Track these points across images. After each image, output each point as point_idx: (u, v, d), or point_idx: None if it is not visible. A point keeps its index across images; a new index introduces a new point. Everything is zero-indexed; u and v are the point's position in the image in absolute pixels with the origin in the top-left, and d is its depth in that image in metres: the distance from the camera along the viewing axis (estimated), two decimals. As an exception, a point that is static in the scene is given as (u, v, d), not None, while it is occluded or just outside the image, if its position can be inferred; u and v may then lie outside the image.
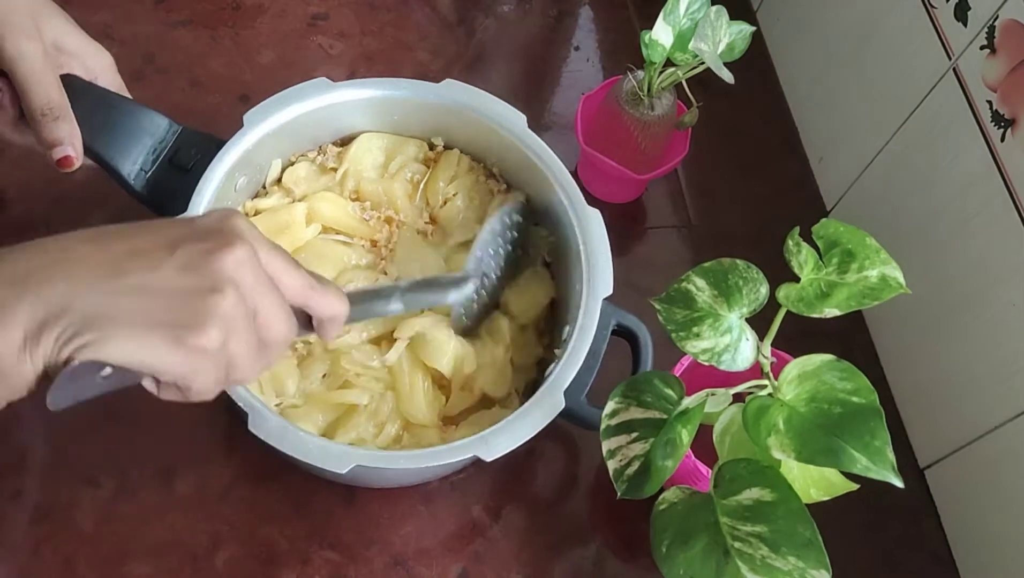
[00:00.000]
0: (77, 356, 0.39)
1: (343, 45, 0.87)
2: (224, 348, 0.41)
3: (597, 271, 0.62)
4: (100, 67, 0.63)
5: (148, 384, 0.43)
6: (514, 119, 0.67)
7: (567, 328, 0.62)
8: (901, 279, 0.51)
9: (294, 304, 0.46)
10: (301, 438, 0.54)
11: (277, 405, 0.61)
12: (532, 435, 0.56)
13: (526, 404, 0.57)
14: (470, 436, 0.56)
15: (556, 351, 0.62)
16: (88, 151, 0.60)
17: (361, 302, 0.51)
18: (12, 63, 0.55)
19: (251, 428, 0.53)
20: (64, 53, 0.60)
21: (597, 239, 0.63)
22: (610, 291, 0.61)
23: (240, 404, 0.54)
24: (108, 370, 0.40)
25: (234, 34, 0.86)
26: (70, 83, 0.59)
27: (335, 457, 0.54)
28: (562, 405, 0.57)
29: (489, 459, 0.55)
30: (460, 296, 0.57)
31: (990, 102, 0.62)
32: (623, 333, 0.63)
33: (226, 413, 0.66)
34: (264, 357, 0.45)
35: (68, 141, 0.57)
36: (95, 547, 0.62)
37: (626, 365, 0.64)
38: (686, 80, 0.71)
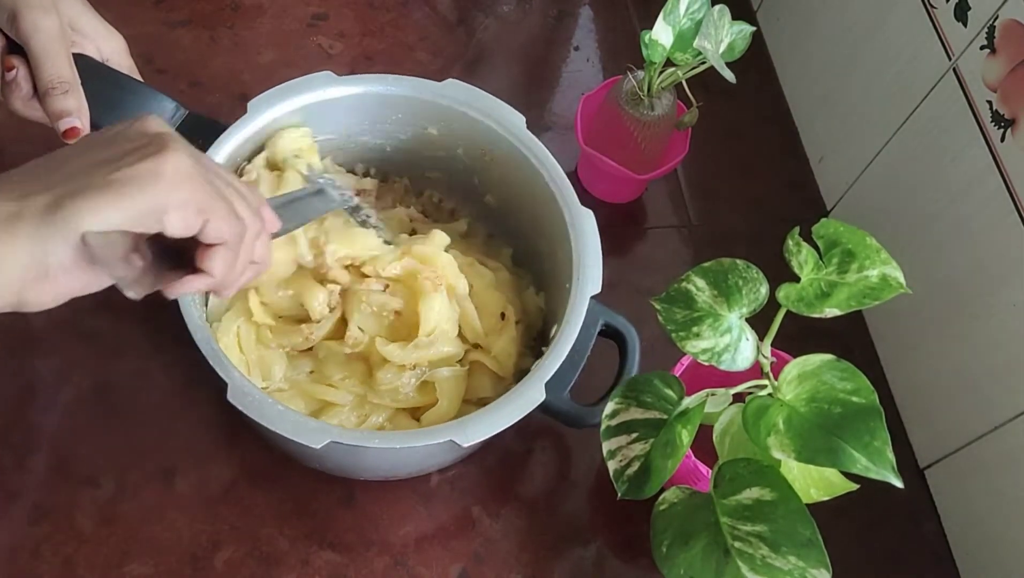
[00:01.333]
0: (66, 225, 0.40)
1: (343, 45, 0.87)
2: (207, 180, 0.44)
3: (586, 269, 0.62)
4: (112, 49, 0.64)
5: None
6: (514, 120, 0.67)
7: (556, 326, 0.62)
8: (901, 279, 0.51)
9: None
10: (279, 411, 0.54)
11: (264, 388, 0.62)
12: (509, 424, 0.56)
13: (505, 394, 0.58)
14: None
15: (544, 348, 0.62)
16: (96, 129, 0.61)
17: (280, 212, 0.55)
18: (28, 37, 0.57)
19: (230, 398, 0.53)
20: (78, 33, 0.62)
21: (589, 238, 0.63)
22: (598, 289, 0.62)
23: (221, 374, 0.54)
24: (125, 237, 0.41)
25: (234, 34, 0.86)
26: (82, 63, 0.60)
27: (310, 432, 0.54)
28: (542, 397, 0.57)
29: (465, 445, 0.55)
30: (331, 203, 0.63)
31: (990, 102, 0.62)
32: (612, 334, 0.63)
33: (227, 412, 0.66)
34: (256, 217, 0.48)
35: (75, 114, 0.58)
36: (95, 547, 0.62)
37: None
38: (686, 80, 0.71)
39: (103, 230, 0.40)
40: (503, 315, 0.66)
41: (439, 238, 0.65)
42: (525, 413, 0.57)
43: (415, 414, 0.64)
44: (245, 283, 0.50)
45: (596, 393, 0.61)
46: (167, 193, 0.42)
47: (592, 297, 0.61)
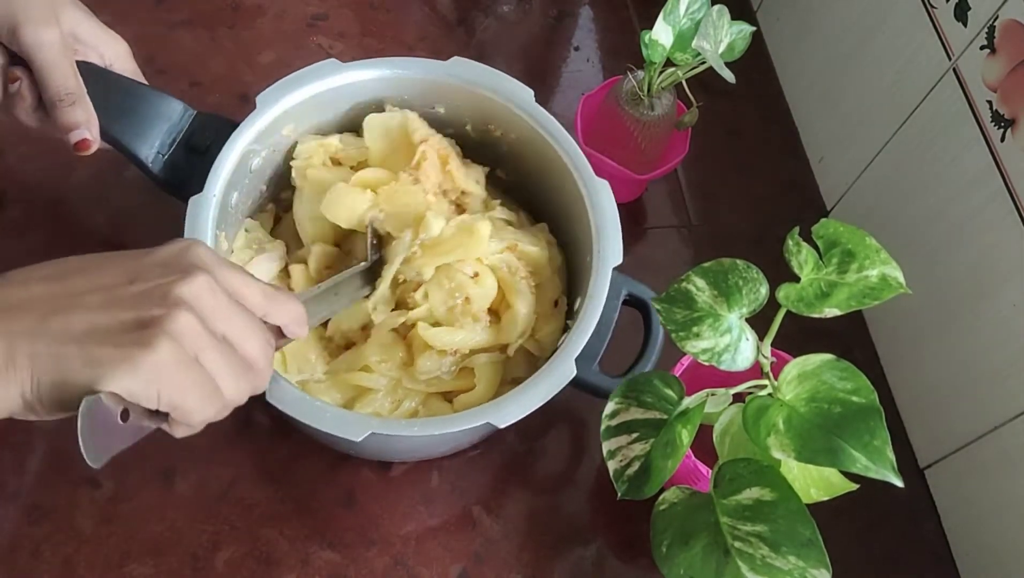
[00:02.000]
0: (48, 391, 0.42)
1: (343, 45, 0.87)
2: (197, 366, 0.43)
3: (606, 241, 0.62)
4: (115, 54, 0.64)
5: (165, 426, 0.45)
6: (522, 94, 0.67)
7: (579, 299, 0.62)
8: (901, 279, 0.51)
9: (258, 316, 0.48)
10: (318, 407, 0.55)
11: (298, 381, 0.63)
12: (544, 401, 0.56)
13: (537, 373, 0.58)
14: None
15: (569, 322, 0.62)
16: (107, 136, 0.62)
17: (316, 304, 0.58)
18: (31, 51, 0.57)
19: (269, 399, 0.54)
20: (80, 41, 0.62)
21: (606, 209, 0.64)
22: (620, 260, 0.62)
23: None
24: (116, 408, 0.42)
25: (234, 34, 0.86)
26: (86, 70, 0.60)
27: (351, 425, 0.55)
28: (573, 373, 0.58)
29: (502, 425, 0.55)
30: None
31: (990, 102, 0.62)
32: (634, 303, 0.63)
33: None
34: (251, 373, 0.47)
35: (84, 125, 0.59)
36: (95, 547, 0.62)
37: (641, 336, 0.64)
38: (686, 80, 0.71)
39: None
40: (556, 302, 0.67)
41: (543, 236, 0.66)
42: (558, 390, 0.57)
43: (448, 396, 0.64)
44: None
45: (621, 364, 0.61)
46: (135, 382, 0.41)
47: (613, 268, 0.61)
